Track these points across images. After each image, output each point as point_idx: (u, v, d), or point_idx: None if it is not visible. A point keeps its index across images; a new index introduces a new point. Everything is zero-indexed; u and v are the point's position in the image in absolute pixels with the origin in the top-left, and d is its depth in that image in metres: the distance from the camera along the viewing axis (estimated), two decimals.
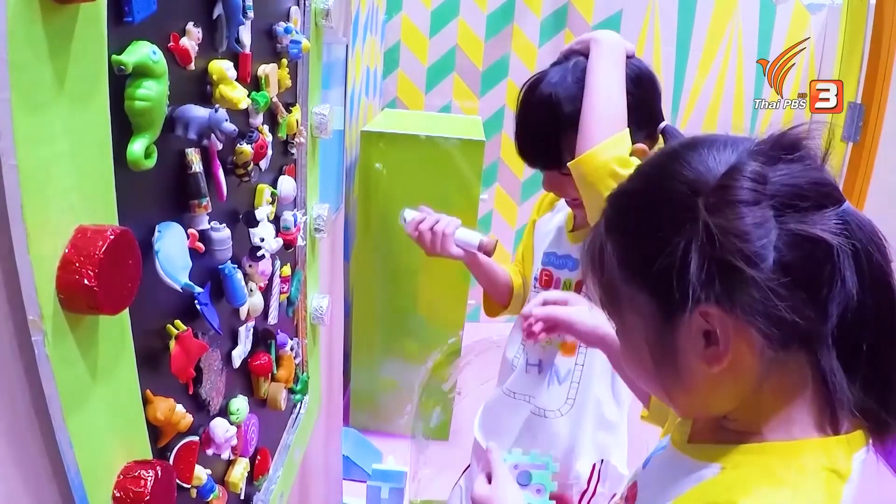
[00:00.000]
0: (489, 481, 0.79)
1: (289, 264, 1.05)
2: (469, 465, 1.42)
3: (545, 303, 0.97)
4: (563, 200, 1.17)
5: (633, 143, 0.94)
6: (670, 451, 0.65)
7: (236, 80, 0.69)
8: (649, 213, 0.54)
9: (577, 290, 1.14)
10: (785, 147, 0.51)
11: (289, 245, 0.97)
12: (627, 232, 0.56)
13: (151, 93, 0.52)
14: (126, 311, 0.52)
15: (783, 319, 0.47)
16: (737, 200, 0.48)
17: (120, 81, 0.51)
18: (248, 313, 0.85)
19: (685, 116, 3.20)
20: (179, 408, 0.64)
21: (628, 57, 1.00)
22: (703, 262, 0.48)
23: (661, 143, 1.02)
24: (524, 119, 1.06)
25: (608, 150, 0.90)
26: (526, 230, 1.32)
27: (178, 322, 0.65)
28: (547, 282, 1.19)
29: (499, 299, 1.33)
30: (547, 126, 1.01)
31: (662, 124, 1.03)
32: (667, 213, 0.52)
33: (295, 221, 0.99)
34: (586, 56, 0.99)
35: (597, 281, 0.59)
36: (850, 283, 0.47)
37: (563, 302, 0.96)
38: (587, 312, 0.92)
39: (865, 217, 0.50)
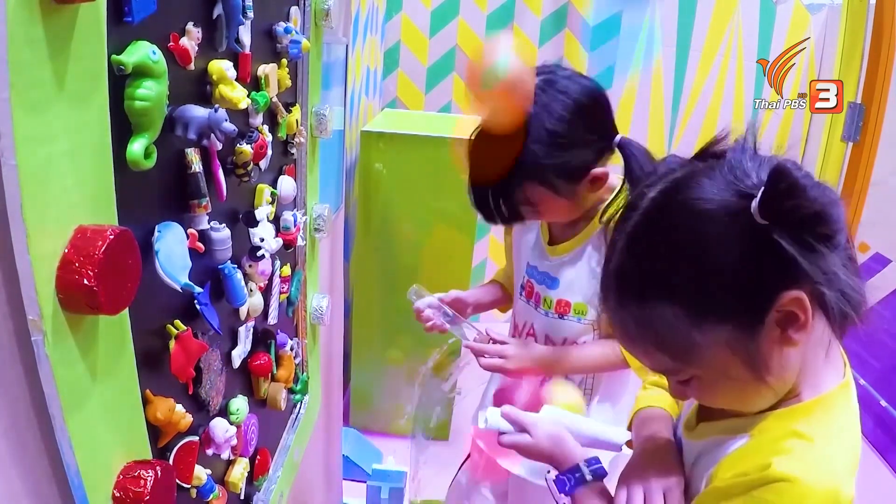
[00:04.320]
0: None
1: (289, 264, 1.05)
2: (468, 456, 1.42)
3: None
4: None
5: (590, 162, 1.01)
6: (689, 442, 0.69)
7: (236, 80, 0.69)
8: (698, 248, 0.54)
9: (557, 308, 1.18)
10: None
11: (289, 245, 0.97)
12: (684, 283, 0.55)
13: (151, 93, 0.52)
14: (126, 311, 0.52)
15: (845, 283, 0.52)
16: (803, 185, 0.49)
17: (120, 81, 0.50)
18: (248, 313, 0.85)
19: (685, 117, 3.19)
20: (179, 408, 0.64)
21: (566, 76, 1.02)
22: (778, 253, 0.50)
23: (618, 157, 1.03)
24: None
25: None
26: (505, 229, 1.32)
27: (178, 322, 0.65)
28: (529, 292, 1.24)
29: (506, 305, 1.40)
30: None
31: (618, 137, 1.04)
32: (717, 235, 0.53)
33: (295, 221, 0.99)
34: None
35: (662, 356, 0.60)
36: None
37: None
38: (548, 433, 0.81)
39: None
